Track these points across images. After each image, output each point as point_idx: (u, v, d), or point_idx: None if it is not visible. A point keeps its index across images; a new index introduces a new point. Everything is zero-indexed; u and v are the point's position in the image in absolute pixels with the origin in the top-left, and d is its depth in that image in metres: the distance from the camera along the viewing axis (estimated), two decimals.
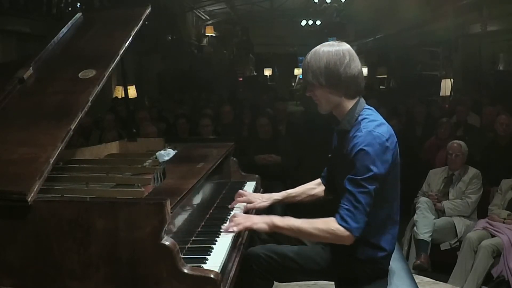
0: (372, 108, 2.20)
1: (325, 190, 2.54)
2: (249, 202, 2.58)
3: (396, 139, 2.12)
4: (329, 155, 2.42)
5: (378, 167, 2.00)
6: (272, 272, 2.25)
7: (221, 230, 2.26)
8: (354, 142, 2.04)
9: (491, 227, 4.01)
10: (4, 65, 2.91)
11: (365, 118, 2.11)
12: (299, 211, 2.63)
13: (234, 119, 6.50)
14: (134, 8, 2.85)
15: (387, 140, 2.04)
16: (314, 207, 2.60)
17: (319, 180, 2.58)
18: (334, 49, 2.10)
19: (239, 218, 2.20)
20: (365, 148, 2.00)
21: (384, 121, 2.14)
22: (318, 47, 2.14)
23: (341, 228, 1.99)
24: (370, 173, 1.99)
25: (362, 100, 2.18)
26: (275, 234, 2.45)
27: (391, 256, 2.26)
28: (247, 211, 2.55)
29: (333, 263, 2.23)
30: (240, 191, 2.69)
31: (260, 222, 2.15)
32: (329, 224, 2.02)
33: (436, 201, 4.44)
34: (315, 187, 2.58)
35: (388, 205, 2.15)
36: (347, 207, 2.00)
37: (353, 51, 2.13)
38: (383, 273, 2.26)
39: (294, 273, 2.28)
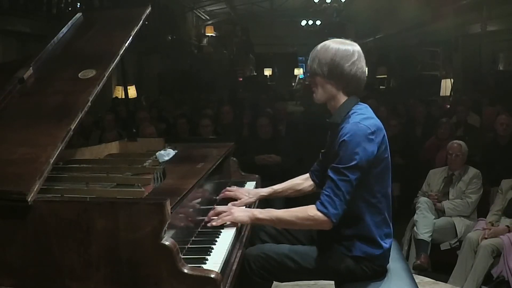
0: (366, 104, 2.26)
1: (316, 186, 2.56)
2: (236, 197, 2.62)
3: (384, 134, 2.17)
4: (322, 150, 2.46)
5: (361, 157, 2.05)
6: (271, 272, 2.25)
7: (221, 230, 2.26)
8: (340, 133, 2.11)
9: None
10: (4, 65, 2.90)
11: (355, 112, 2.17)
12: None
13: (234, 119, 6.50)
14: (134, 8, 2.84)
15: (372, 132, 2.09)
16: None
17: (306, 175, 2.62)
18: (344, 47, 2.17)
19: (221, 211, 2.28)
20: (348, 138, 2.06)
21: (374, 116, 2.20)
22: (330, 41, 2.21)
23: (319, 214, 2.06)
24: (353, 162, 2.04)
25: (356, 97, 2.23)
26: (274, 235, 2.46)
27: (389, 254, 2.28)
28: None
29: (331, 262, 2.23)
30: (228, 188, 2.73)
31: (241, 215, 2.24)
32: (307, 211, 2.09)
33: (436, 201, 4.44)
34: (301, 182, 2.62)
35: (377, 200, 2.19)
36: (327, 193, 2.06)
37: (362, 53, 2.19)
38: (382, 272, 2.27)
39: (293, 273, 2.29)
